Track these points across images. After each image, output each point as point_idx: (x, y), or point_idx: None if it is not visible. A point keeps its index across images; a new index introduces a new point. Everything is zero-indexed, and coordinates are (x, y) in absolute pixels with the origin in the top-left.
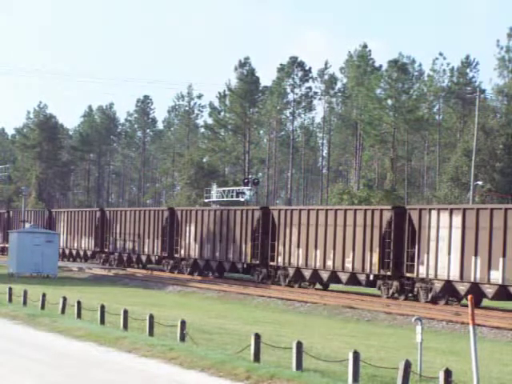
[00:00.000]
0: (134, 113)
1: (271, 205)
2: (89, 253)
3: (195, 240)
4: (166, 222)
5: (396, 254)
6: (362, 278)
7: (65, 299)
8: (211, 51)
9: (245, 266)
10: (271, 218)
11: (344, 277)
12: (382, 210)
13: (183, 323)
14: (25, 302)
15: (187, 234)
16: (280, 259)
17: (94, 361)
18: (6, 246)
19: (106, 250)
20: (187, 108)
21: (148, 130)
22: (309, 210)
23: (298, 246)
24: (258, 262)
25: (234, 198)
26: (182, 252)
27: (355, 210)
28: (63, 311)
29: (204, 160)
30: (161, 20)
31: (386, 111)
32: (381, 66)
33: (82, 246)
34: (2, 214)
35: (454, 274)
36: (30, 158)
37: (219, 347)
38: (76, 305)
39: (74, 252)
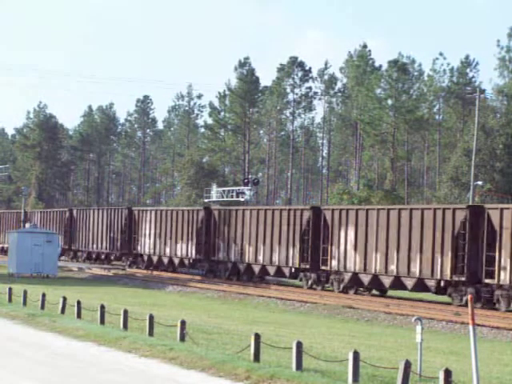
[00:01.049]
0: (134, 113)
1: (271, 205)
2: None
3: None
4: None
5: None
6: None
7: (65, 299)
8: (211, 51)
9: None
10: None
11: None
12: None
13: (183, 323)
14: (25, 302)
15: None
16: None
17: (93, 361)
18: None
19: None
20: (187, 108)
21: (148, 130)
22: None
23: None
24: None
25: (234, 198)
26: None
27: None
28: (63, 311)
29: (204, 160)
30: (161, 20)
31: (386, 111)
32: (381, 66)
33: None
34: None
35: None
36: (29, 158)
37: (219, 347)
38: (76, 305)
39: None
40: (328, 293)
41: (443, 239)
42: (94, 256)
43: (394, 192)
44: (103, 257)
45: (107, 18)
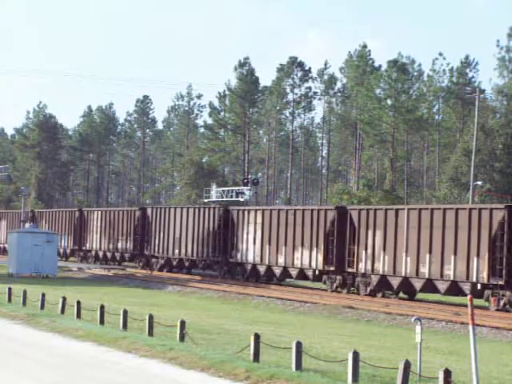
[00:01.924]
0: (134, 113)
1: (271, 204)
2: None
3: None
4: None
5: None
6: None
7: (64, 299)
8: (211, 51)
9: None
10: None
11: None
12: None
13: (183, 323)
14: (24, 302)
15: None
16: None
17: (93, 361)
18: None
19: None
20: (187, 108)
21: (148, 130)
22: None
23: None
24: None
25: (234, 198)
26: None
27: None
28: (63, 311)
29: (204, 160)
30: (161, 20)
31: (386, 111)
32: (380, 66)
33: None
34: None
35: None
36: (29, 158)
37: (219, 347)
38: (75, 305)
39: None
40: (328, 293)
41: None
42: (101, 256)
43: (394, 192)
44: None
45: (107, 18)
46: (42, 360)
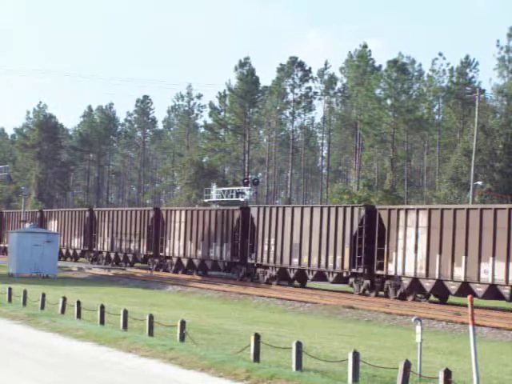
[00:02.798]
0: (134, 113)
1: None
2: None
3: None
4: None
5: None
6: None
7: (64, 299)
8: (211, 51)
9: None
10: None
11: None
12: None
13: (183, 323)
14: (24, 302)
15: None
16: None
17: (93, 361)
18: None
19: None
20: (187, 108)
21: (148, 130)
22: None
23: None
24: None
25: (234, 198)
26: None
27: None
28: (63, 311)
29: (204, 160)
30: (161, 20)
31: (386, 111)
32: (380, 66)
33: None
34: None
35: None
36: (29, 158)
37: (219, 347)
38: (76, 305)
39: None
40: (328, 293)
41: None
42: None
43: (394, 192)
44: (122, 258)
45: (107, 18)
46: (42, 360)
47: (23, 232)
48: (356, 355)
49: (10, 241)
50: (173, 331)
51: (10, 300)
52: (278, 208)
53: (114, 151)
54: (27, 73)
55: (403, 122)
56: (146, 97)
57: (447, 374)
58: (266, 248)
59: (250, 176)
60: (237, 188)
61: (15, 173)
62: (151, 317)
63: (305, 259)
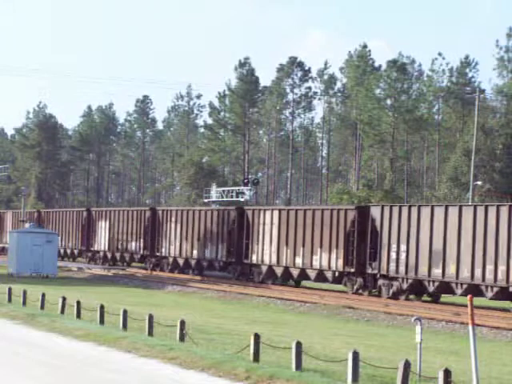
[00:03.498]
0: (134, 113)
1: (271, 205)
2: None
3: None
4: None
5: None
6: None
7: (64, 299)
8: (211, 51)
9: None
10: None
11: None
12: None
13: (183, 323)
14: (24, 302)
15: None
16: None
17: (93, 361)
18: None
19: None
20: (187, 108)
21: (147, 130)
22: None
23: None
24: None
25: (234, 198)
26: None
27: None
28: (63, 311)
29: (204, 160)
30: (161, 20)
31: (386, 111)
32: (380, 66)
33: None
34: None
35: None
36: (29, 158)
37: (219, 347)
38: (75, 305)
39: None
40: (328, 293)
41: None
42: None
43: (394, 192)
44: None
45: (107, 18)
46: (41, 360)
47: (23, 232)
48: (356, 355)
49: (10, 241)
50: (173, 331)
51: (9, 300)
52: (410, 207)
53: (114, 151)
54: (27, 73)
55: (403, 122)
56: (145, 97)
57: (447, 373)
58: (393, 256)
59: (249, 176)
60: (237, 188)
61: (15, 173)
62: (151, 317)
63: (452, 269)
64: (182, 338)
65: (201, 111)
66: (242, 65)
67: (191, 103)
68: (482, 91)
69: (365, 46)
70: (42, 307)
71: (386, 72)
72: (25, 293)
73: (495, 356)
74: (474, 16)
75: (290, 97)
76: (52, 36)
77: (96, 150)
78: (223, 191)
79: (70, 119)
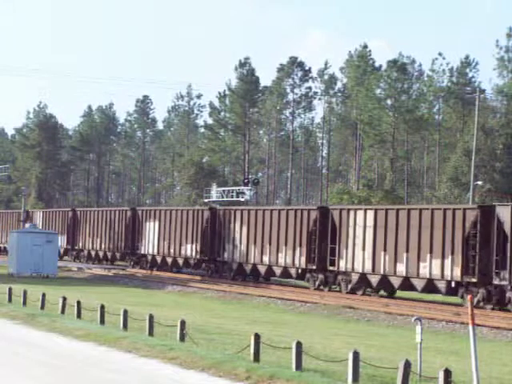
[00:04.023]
0: (134, 113)
1: (271, 205)
2: (118, 255)
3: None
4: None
5: None
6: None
7: (64, 299)
8: (211, 51)
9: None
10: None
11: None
12: None
13: (183, 323)
14: (24, 302)
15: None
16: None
17: (93, 361)
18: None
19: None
20: (187, 108)
21: (148, 130)
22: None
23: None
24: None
25: (234, 198)
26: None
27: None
28: (63, 311)
29: (204, 160)
30: (161, 20)
31: (386, 111)
32: (380, 66)
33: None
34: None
35: None
36: (29, 158)
37: (219, 347)
38: (76, 305)
39: (102, 254)
40: (328, 293)
41: None
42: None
43: (394, 192)
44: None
45: (107, 18)
46: (42, 360)
47: (23, 232)
48: (356, 355)
49: (10, 241)
50: (173, 331)
51: (10, 300)
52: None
53: (114, 151)
54: (27, 73)
55: (403, 122)
56: (145, 97)
57: (447, 373)
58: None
59: (249, 176)
60: (237, 188)
61: (15, 173)
62: (151, 317)
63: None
64: (182, 338)
65: (201, 111)
66: (242, 65)
67: (191, 103)
68: (482, 91)
69: (365, 46)
70: (42, 307)
71: (386, 72)
72: (25, 293)
73: (495, 356)
74: (474, 16)
75: (290, 97)
76: (52, 36)
77: (96, 149)
78: (223, 191)
79: (70, 119)
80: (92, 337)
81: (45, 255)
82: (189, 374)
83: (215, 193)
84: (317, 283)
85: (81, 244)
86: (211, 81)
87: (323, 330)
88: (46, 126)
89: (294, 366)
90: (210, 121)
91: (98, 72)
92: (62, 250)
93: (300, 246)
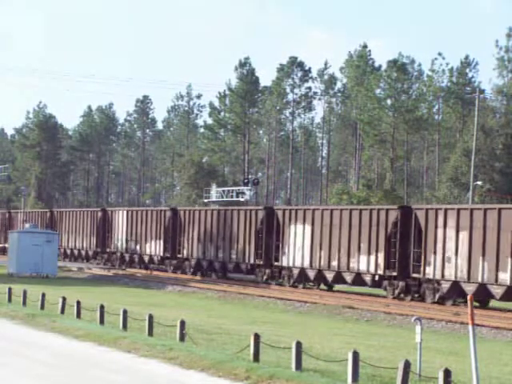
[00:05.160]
0: (134, 113)
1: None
2: (90, 253)
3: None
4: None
5: None
6: None
7: (64, 299)
8: (211, 51)
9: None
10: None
11: None
12: None
13: (183, 323)
14: (24, 302)
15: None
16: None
17: (93, 361)
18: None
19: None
20: (187, 108)
21: (147, 130)
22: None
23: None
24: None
25: (234, 198)
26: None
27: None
28: (63, 311)
29: (204, 160)
30: (161, 20)
31: (386, 111)
32: (380, 66)
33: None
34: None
35: None
36: (29, 158)
37: (219, 347)
38: (75, 305)
39: (76, 252)
40: (328, 293)
41: None
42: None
43: (394, 192)
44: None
45: (107, 17)
46: (42, 360)
47: (23, 232)
48: (356, 355)
49: (10, 241)
50: (173, 331)
51: (9, 300)
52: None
53: (114, 151)
54: (27, 73)
55: (403, 122)
56: (145, 97)
57: (447, 373)
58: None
59: (250, 176)
60: (237, 188)
61: (15, 173)
62: (151, 317)
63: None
64: (182, 338)
65: (201, 111)
66: (242, 65)
67: (191, 103)
68: (482, 91)
69: (365, 46)
70: (42, 307)
71: (386, 72)
72: (25, 293)
73: (495, 356)
74: (474, 16)
75: (290, 97)
76: (52, 36)
77: (96, 150)
78: (223, 191)
79: (70, 119)
80: (92, 337)
81: (45, 255)
82: (188, 373)
83: (215, 193)
84: (396, 292)
85: (185, 252)
86: (211, 81)
87: (323, 330)
88: (45, 126)
89: (293, 366)
90: (209, 121)
91: (98, 72)
92: (155, 259)
93: (377, 250)
